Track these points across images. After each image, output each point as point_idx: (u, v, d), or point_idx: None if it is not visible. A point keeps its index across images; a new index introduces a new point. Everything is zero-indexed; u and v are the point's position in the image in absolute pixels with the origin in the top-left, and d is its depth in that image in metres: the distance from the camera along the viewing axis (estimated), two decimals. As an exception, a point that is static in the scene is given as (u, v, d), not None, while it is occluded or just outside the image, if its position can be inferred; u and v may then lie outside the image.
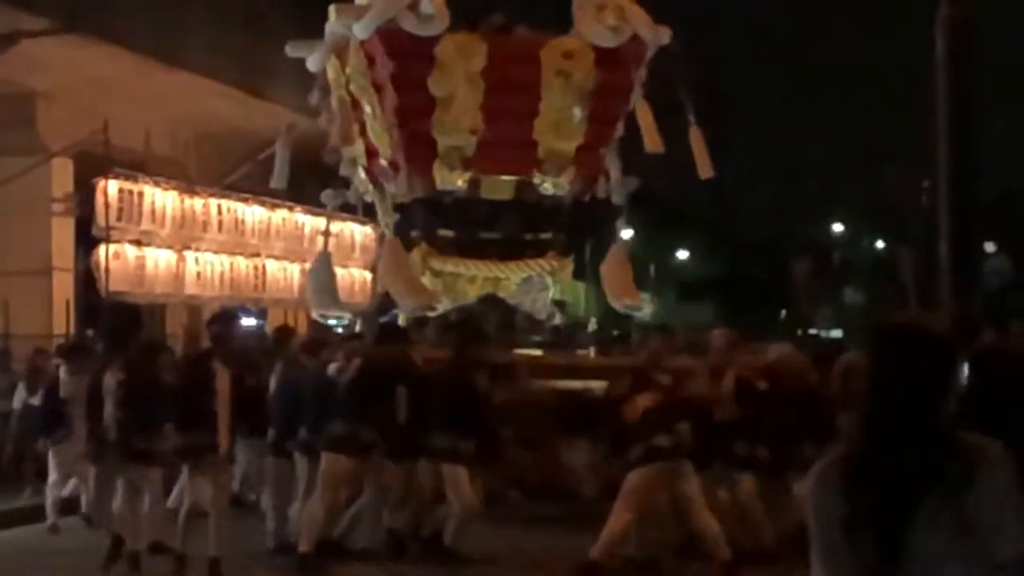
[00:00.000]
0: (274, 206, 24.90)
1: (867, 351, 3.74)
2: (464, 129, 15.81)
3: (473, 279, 16.51)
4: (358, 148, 16.82)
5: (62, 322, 21.83)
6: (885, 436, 3.53)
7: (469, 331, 13.82)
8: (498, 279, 16.55)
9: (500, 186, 16.63)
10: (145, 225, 21.81)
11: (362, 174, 17.04)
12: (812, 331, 46.62)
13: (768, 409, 12.34)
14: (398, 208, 17.06)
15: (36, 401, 15.90)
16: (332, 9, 16.31)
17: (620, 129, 16.92)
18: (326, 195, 17.87)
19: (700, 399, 12.38)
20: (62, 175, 22.91)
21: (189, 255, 23.02)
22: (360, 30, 15.76)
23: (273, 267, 25.15)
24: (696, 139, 16.94)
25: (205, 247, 23.36)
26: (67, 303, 22.29)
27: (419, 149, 16.11)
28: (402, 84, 15.87)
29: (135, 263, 21.75)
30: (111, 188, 20.98)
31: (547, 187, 16.43)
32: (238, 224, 23.86)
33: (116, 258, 21.10)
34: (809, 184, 71.25)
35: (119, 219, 21.09)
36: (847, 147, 73.97)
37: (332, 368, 12.43)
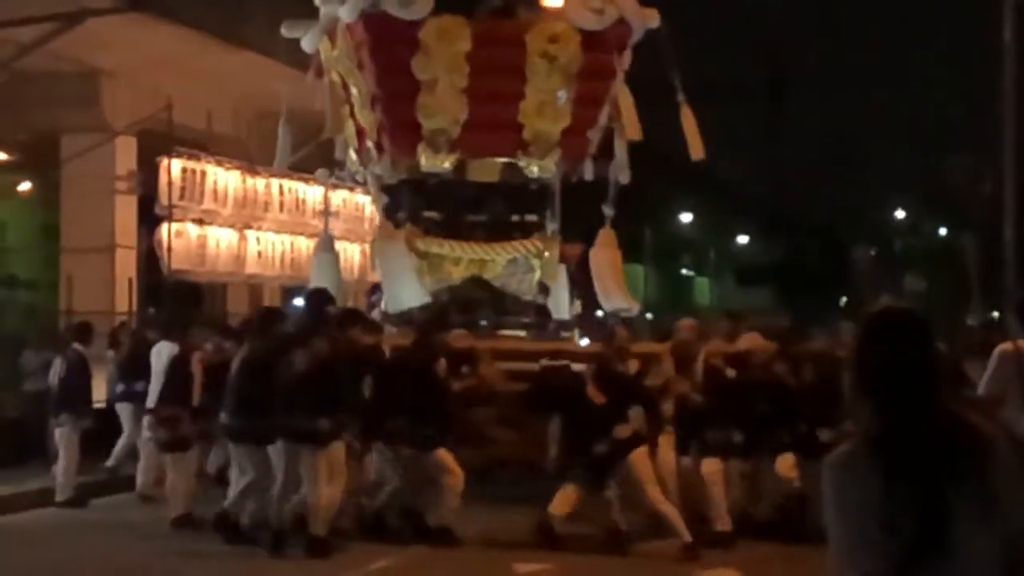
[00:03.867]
0: (334, 186, 24.96)
1: (855, 342, 3.76)
2: (448, 112, 15.80)
3: (458, 261, 16.44)
4: (349, 129, 16.87)
5: (124, 300, 22.00)
6: (900, 423, 3.55)
7: (430, 319, 14.01)
8: (483, 261, 16.48)
9: (486, 168, 16.60)
10: (207, 204, 21.94)
11: (353, 155, 17.07)
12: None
13: (736, 396, 12.55)
14: (385, 189, 17.10)
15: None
16: None
17: (606, 111, 16.80)
18: (320, 173, 17.99)
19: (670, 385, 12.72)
20: (126, 153, 23.09)
21: (250, 234, 23.13)
22: (345, 13, 15.81)
23: (333, 247, 25.20)
24: (687, 119, 16.92)
25: (266, 227, 23.46)
26: (129, 281, 22.46)
27: (403, 131, 16.10)
28: (386, 67, 15.90)
29: (197, 242, 21.88)
30: (174, 167, 21.12)
31: (533, 169, 16.36)
32: (299, 204, 23.93)
33: (178, 236, 21.25)
34: (871, 170, 70.54)
35: (181, 198, 21.22)
36: (910, 133, 73.31)
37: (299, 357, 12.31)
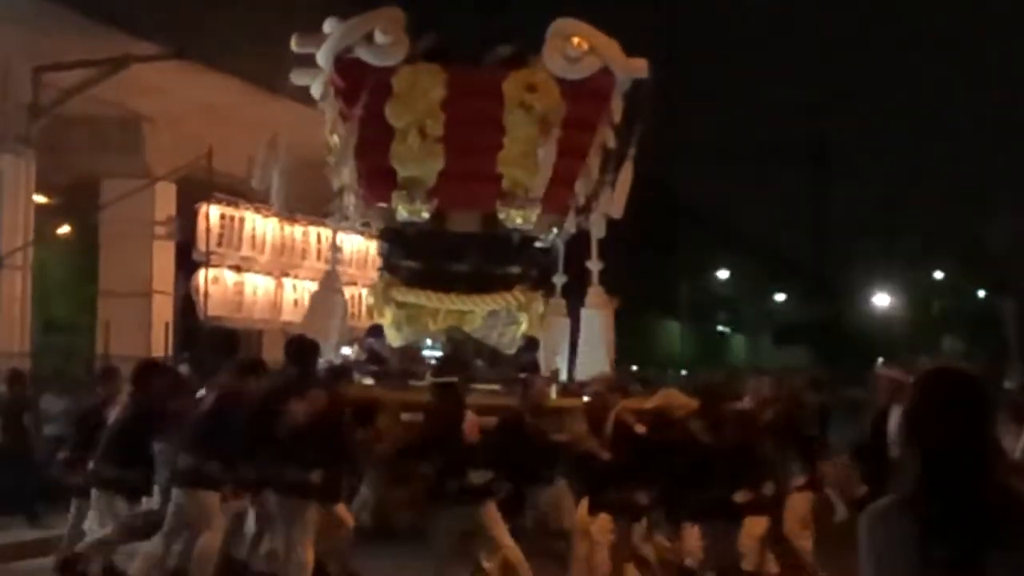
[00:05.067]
0: (371, 235, 25.00)
1: (915, 396, 3.71)
2: (424, 160, 15.53)
3: (436, 312, 16.04)
4: (345, 176, 16.51)
5: (160, 345, 22.05)
6: (947, 484, 3.50)
7: (333, 369, 13.51)
8: (463, 312, 16.06)
9: (467, 218, 16.25)
10: (245, 251, 22.02)
11: (351, 201, 16.80)
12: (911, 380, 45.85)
13: (646, 454, 11.85)
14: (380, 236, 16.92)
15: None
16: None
17: (593, 163, 16.45)
18: (329, 215, 17.78)
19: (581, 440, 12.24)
20: (165, 199, 23.20)
21: (287, 282, 23.19)
22: (321, 59, 15.66)
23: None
24: (625, 176, 16.38)
25: (303, 275, 23.51)
26: (166, 326, 22.52)
27: (378, 179, 15.90)
28: (360, 114, 15.62)
29: (234, 288, 21.95)
30: (212, 213, 21.21)
31: (516, 220, 15.98)
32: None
33: (215, 283, 21.31)
34: (910, 230, 70.30)
35: (219, 244, 21.30)
36: (950, 194, 73.12)
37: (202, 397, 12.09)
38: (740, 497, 11.40)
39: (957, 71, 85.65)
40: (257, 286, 22.42)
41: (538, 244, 16.81)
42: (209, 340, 21.68)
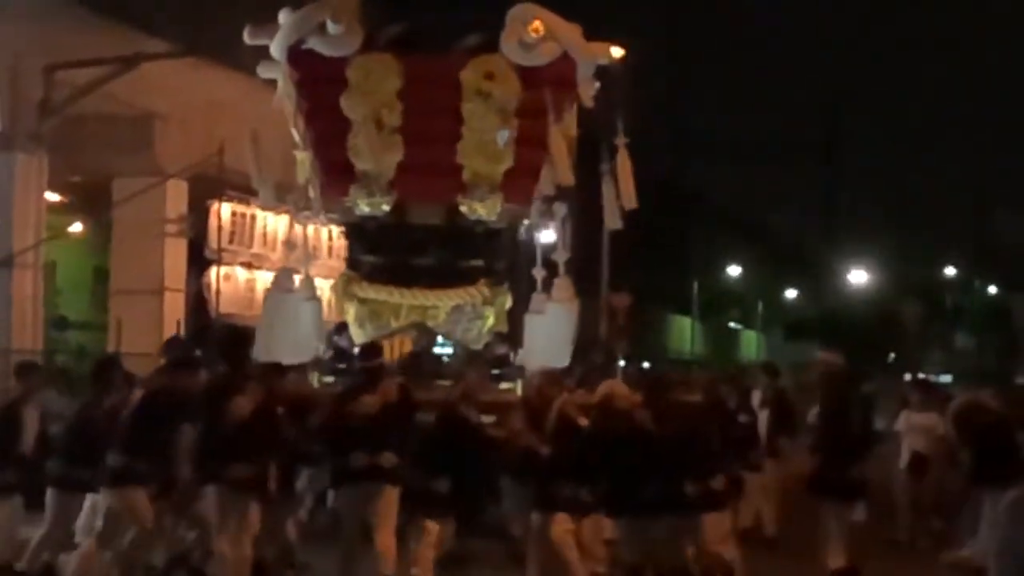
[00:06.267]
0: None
1: None
2: (382, 153, 15.13)
3: (399, 307, 15.57)
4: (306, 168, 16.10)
5: (172, 342, 22.06)
6: None
7: (269, 364, 13.08)
8: (425, 308, 15.54)
9: (428, 211, 15.74)
10: (256, 248, 22.02)
11: (312, 193, 16.22)
12: (921, 376, 46.07)
13: (590, 447, 11.58)
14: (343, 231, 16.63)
15: None
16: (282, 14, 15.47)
17: (559, 152, 15.38)
18: (292, 206, 17.09)
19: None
20: (177, 197, 23.21)
21: (298, 279, 23.16)
22: (275, 51, 15.28)
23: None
24: (623, 166, 15.40)
25: (315, 272, 23.48)
26: (178, 323, 22.53)
27: (336, 173, 15.46)
28: (315, 107, 15.31)
29: (245, 285, 21.96)
30: (224, 211, 21.21)
31: (479, 212, 15.48)
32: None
33: (227, 280, 21.32)
34: (922, 226, 70.29)
35: (231, 241, 21.31)
36: (962, 189, 72.99)
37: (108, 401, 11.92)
38: (690, 489, 11.10)
39: (958, 71, 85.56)
40: (268, 283, 22.39)
41: (511, 236, 16.39)
42: (220, 337, 21.69)
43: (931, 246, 68.88)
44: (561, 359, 15.15)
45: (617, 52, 16.09)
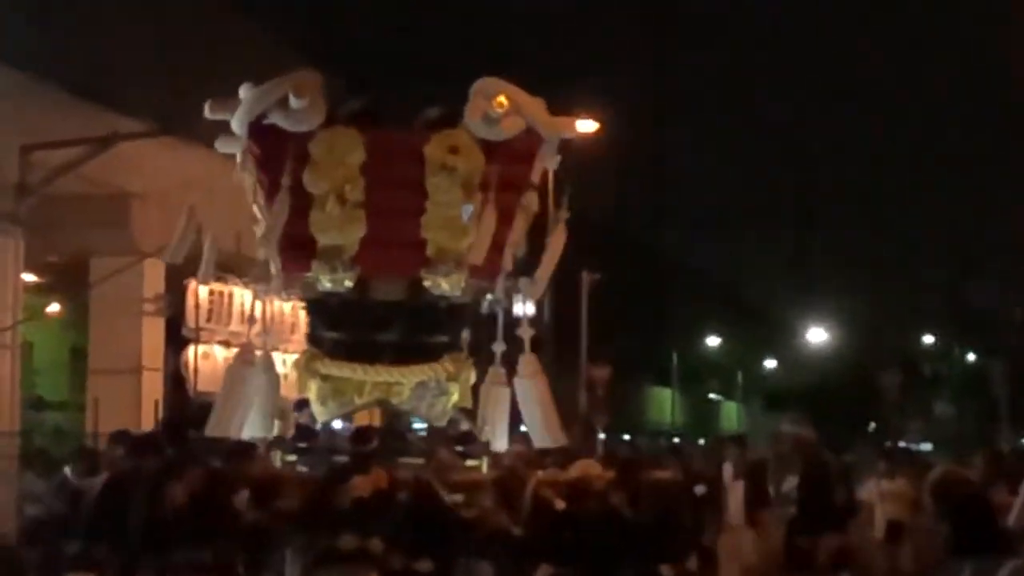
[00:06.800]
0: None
1: None
2: (344, 227, 14.86)
3: (362, 384, 15.18)
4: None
5: (150, 421, 21.94)
6: None
7: (237, 444, 13.09)
8: (389, 384, 15.15)
9: (391, 287, 15.40)
10: (234, 326, 21.95)
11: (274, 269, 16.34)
12: (901, 444, 46.05)
13: (564, 529, 11.54)
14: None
15: None
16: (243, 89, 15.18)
17: (519, 227, 15.44)
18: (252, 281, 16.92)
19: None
20: (154, 275, 23.15)
21: (277, 356, 23.06)
22: (235, 127, 15.10)
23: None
24: (556, 239, 15.31)
25: (292, 349, 23.41)
26: (156, 403, 22.43)
27: (297, 248, 15.10)
28: (276, 182, 14.93)
29: (224, 364, 21.85)
30: (201, 290, 21.16)
31: (443, 287, 15.15)
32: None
33: (205, 359, 21.26)
34: (898, 294, 70.55)
35: (208, 320, 21.26)
36: (938, 257, 73.34)
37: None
38: (666, 572, 11.07)
39: (949, 137, 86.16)
40: (243, 361, 22.32)
41: (475, 311, 16.32)
42: (198, 417, 21.58)
43: (907, 314, 69.14)
44: (547, 438, 15.02)
45: (591, 126, 16.05)
